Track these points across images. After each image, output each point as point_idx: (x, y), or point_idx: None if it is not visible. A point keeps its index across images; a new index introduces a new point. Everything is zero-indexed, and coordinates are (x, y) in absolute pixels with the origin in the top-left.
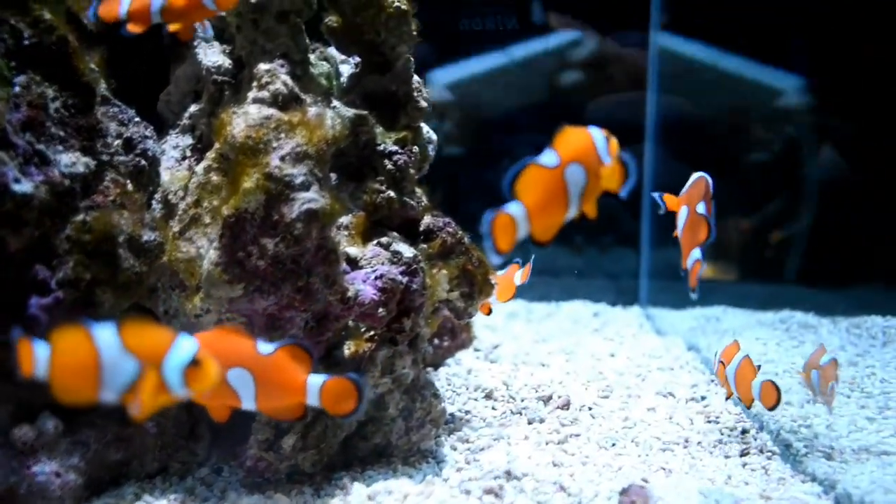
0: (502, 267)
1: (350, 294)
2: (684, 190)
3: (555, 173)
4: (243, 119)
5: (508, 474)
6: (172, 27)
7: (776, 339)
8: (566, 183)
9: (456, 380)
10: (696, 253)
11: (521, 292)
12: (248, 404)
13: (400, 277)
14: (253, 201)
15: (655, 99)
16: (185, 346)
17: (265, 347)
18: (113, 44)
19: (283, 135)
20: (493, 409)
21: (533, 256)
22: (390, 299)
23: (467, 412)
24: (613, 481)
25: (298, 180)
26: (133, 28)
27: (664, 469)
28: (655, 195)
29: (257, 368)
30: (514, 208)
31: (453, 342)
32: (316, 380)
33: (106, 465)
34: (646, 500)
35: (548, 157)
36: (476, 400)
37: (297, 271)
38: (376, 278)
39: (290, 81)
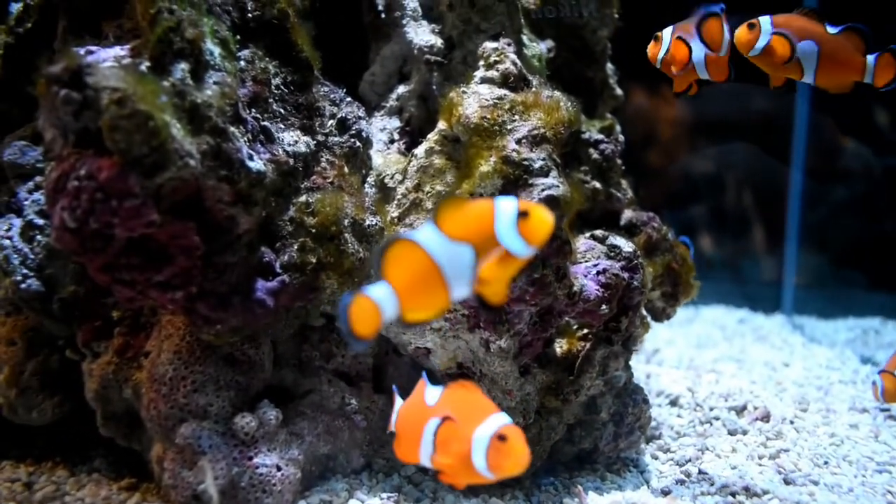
0: None
1: (575, 289)
2: None
3: None
4: (475, 99)
5: (747, 491)
6: None
7: None
8: None
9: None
10: None
11: None
12: (808, 78)
13: (622, 273)
14: (489, 186)
15: None
16: (505, 206)
17: (832, 29)
18: (318, 20)
19: (517, 116)
20: (679, 416)
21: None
22: (613, 296)
23: (652, 417)
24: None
25: (537, 165)
26: None
27: (891, 493)
28: None
29: (825, 43)
30: None
31: None
32: (872, 58)
33: (316, 459)
34: None
35: None
36: (661, 406)
37: (533, 262)
38: (598, 273)
39: (518, 61)
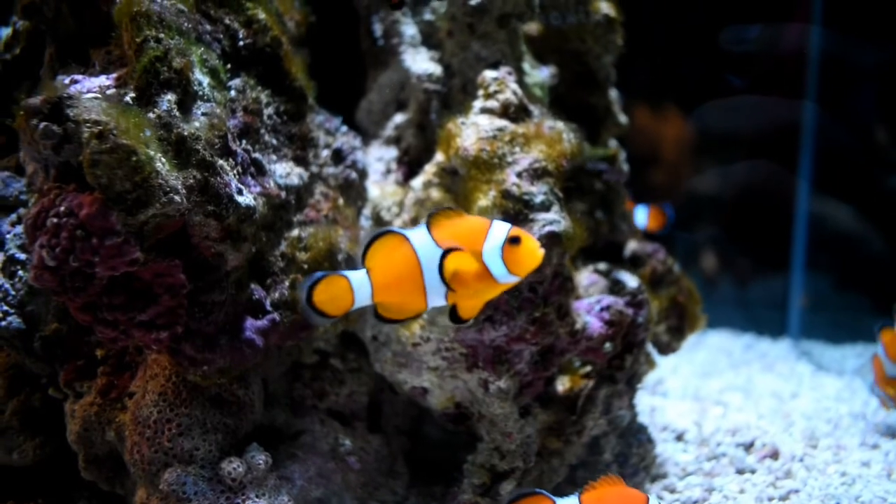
0: None
1: (578, 327)
2: None
3: None
4: (474, 130)
5: None
6: None
7: None
8: None
9: (640, 418)
10: None
11: None
12: None
13: (627, 310)
14: None
15: None
16: (499, 227)
17: None
18: (313, 48)
19: (518, 149)
20: (685, 452)
21: None
22: (617, 333)
23: (657, 455)
24: None
25: (538, 199)
26: None
27: None
28: None
29: None
30: None
31: None
32: None
33: (306, 502)
34: None
35: None
36: (666, 441)
37: (533, 300)
38: (602, 309)
39: (519, 90)
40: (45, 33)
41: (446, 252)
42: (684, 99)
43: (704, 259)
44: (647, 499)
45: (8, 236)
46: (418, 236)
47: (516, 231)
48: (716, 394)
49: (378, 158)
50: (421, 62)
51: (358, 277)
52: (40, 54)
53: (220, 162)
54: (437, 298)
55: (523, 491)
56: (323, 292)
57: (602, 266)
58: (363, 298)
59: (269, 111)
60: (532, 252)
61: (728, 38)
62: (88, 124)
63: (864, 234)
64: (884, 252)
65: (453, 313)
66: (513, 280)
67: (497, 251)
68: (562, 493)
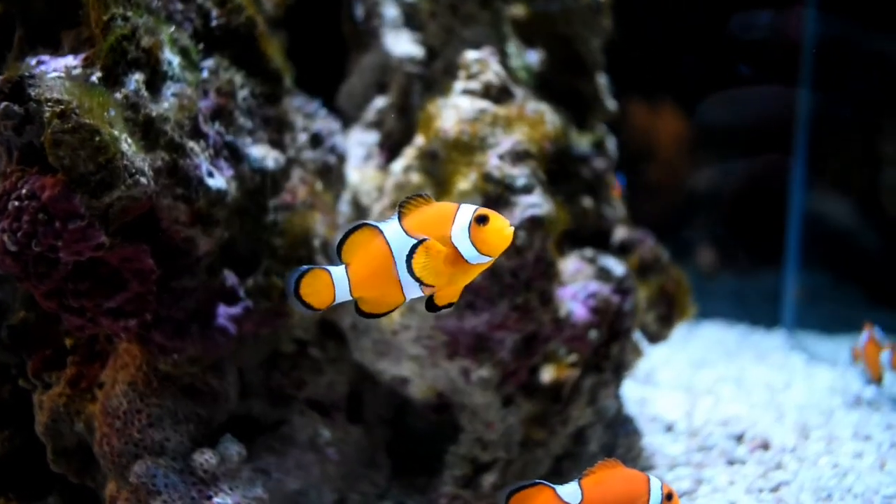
0: None
1: (562, 314)
2: None
3: None
4: (454, 112)
5: None
6: None
7: None
8: None
9: (631, 409)
10: None
11: None
12: None
13: (613, 297)
14: None
15: None
16: (465, 209)
17: None
18: (292, 30)
19: (499, 130)
20: (675, 442)
21: None
22: (603, 321)
23: (646, 446)
24: None
25: (520, 182)
26: None
27: None
28: None
29: None
30: None
31: None
32: None
33: (284, 496)
34: None
35: None
36: (655, 432)
37: (515, 286)
38: (587, 297)
39: (502, 72)
40: (13, 16)
41: (412, 252)
42: (681, 93)
43: (700, 251)
44: (648, 479)
45: None
46: (390, 229)
47: (483, 211)
48: (708, 384)
49: (359, 143)
50: (402, 44)
51: (338, 273)
52: (12, 39)
53: (191, 144)
54: (413, 290)
55: (523, 483)
56: (308, 285)
57: (588, 253)
58: (343, 294)
59: (243, 93)
60: (500, 230)
61: (736, 26)
62: (50, 103)
63: (859, 227)
64: (878, 245)
65: (430, 302)
66: (485, 260)
67: (465, 232)
68: None
